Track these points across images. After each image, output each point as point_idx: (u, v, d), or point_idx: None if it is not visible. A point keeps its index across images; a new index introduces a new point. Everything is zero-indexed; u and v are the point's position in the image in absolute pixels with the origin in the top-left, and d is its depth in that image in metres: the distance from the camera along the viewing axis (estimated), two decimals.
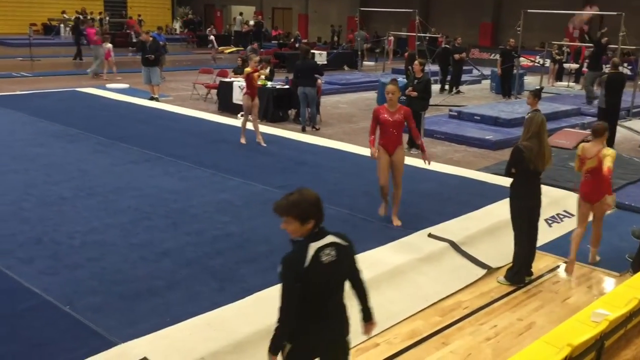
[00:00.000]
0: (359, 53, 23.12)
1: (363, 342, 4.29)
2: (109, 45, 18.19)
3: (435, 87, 17.72)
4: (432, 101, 10.71)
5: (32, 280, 4.80)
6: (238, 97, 13.29)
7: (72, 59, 21.84)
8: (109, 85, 15.87)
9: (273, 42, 29.82)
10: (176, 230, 6.01)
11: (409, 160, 9.31)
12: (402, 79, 15.71)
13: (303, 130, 11.70)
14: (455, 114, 13.05)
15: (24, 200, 6.66)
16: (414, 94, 9.74)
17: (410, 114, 6.24)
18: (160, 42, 16.13)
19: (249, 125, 9.98)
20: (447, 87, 17.63)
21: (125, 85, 16.12)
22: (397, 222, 6.37)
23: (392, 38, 26.01)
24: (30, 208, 6.45)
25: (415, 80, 9.90)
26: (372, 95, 16.31)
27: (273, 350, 2.89)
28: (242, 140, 9.87)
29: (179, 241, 5.74)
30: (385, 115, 6.18)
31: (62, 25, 31.95)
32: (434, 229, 6.17)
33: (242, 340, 4.06)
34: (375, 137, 6.34)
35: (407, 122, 6.24)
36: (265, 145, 9.72)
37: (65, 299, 4.52)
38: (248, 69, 9.87)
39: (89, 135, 9.99)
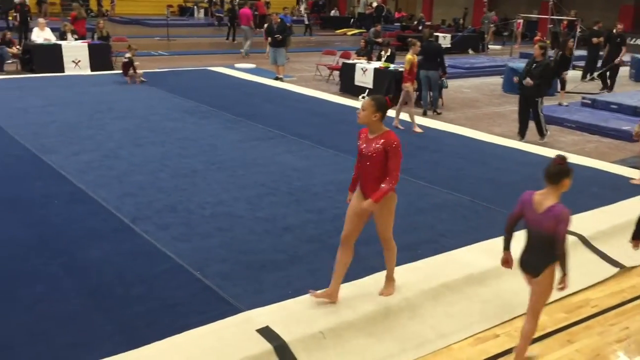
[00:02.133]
0: (486, 36, 22.30)
1: (482, 331, 4.22)
2: None
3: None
4: (568, 88, 10.10)
5: (167, 245, 5.15)
6: (360, 78, 13.36)
7: (225, 39, 23.11)
8: (237, 65, 16.52)
9: (396, 24, 29.51)
10: (298, 207, 6.19)
11: (535, 149, 8.95)
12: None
13: (424, 114, 11.54)
14: (589, 102, 12.27)
15: (161, 171, 7.14)
16: (530, 83, 9.16)
17: (392, 144, 3.97)
18: (287, 24, 16.51)
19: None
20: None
21: (252, 65, 16.70)
22: (388, 292, 4.47)
23: (521, 21, 24.81)
24: (165, 178, 6.91)
25: (534, 64, 9.31)
26: (498, 80, 15.71)
27: None
28: (417, 129, 9.71)
29: (301, 218, 5.91)
30: (361, 142, 4.15)
31: (195, 6, 33.61)
32: None
33: (360, 318, 4.13)
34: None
35: (387, 156, 4.01)
36: (422, 131, 9.61)
37: (196, 264, 4.81)
38: (410, 56, 9.70)
39: (218, 112, 10.49)
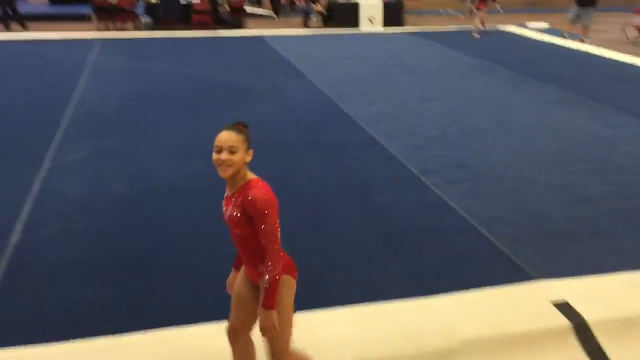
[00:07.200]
0: None
1: None
2: None
3: None
4: None
5: (455, 200, 5.08)
6: None
7: None
8: (529, 24, 15.59)
9: None
10: (599, 178, 5.59)
11: None
12: None
13: None
14: None
15: (449, 127, 7.09)
16: None
17: (255, 205, 2.30)
18: None
19: None
20: None
21: (545, 25, 15.60)
22: None
23: None
24: (454, 134, 6.84)
25: None
26: None
27: None
28: None
29: (602, 190, 5.33)
30: (224, 204, 2.51)
31: None
32: None
33: None
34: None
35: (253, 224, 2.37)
36: None
37: (485, 224, 4.65)
38: None
39: (509, 73, 10.03)
